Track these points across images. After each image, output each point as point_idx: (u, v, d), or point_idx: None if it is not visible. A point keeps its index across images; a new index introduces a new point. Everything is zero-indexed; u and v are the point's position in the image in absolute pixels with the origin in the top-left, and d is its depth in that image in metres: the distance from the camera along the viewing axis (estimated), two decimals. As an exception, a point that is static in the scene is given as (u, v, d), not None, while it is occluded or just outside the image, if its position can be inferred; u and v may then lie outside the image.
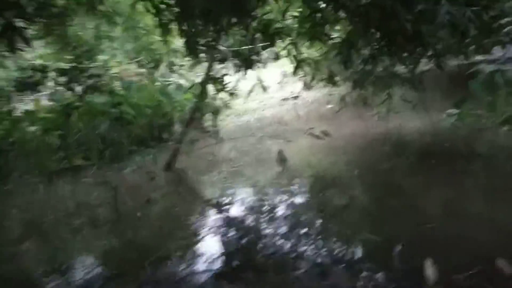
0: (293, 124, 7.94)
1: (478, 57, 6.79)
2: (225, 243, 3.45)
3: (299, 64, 6.76)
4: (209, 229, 3.72)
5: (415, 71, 5.61)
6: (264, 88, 10.71)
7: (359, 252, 2.95)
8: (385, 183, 4.27)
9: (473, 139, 5.30)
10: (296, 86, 11.49)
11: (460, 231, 2.94)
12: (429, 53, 4.64)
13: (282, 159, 5.59)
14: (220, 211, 4.24)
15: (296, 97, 10.95)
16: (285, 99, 10.89)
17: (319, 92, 11.24)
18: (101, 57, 9.07)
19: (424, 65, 5.84)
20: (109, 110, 6.73)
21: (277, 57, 5.77)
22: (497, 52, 6.34)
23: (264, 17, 5.02)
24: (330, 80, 7.91)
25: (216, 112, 6.04)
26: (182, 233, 3.78)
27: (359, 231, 3.22)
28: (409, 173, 4.44)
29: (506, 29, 4.72)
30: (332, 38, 5.55)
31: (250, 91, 10.76)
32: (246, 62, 10.29)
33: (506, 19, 4.66)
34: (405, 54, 4.98)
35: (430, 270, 2.48)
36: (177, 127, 7.01)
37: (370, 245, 2.99)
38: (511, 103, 5.45)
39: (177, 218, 4.18)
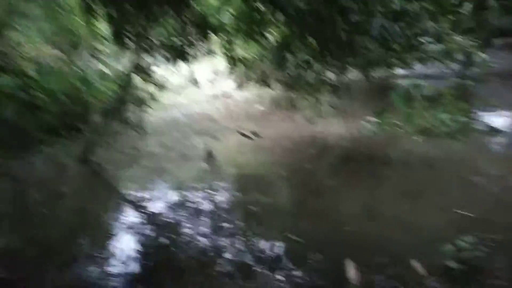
0: (222, 122, 7.81)
1: (400, 71, 7.33)
2: (141, 242, 3.21)
3: (232, 62, 6.69)
4: (125, 227, 3.44)
5: (343, 79, 5.87)
6: (195, 84, 10.45)
7: (279, 252, 2.93)
8: (308, 184, 4.34)
9: (390, 146, 5.64)
10: (227, 84, 11.39)
11: (377, 233, 3.06)
12: (358, 63, 4.82)
13: (209, 157, 5.44)
14: (137, 208, 3.98)
15: (227, 96, 10.85)
16: (215, 97, 10.73)
17: (250, 92, 11.26)
18: (12, 35, 8.08)
19: (352, 74, 6.14)
20: (18, 94, 5.98)
21: (210, 53, 5.57)
22: (418, 67, 6.90)
23: (200, 9, 4.83)
24: (263, 81, 7.97)
25: (140, 104, 5.67)
26: (93, 231, 3.46)
27: (280, 231, 3.21)
28: (331, 176, 4.56)
29: (426, 47, 5.10)
30: (267, 39, 5.55)
31: (180, 86, 10.43)
32: (177, 55, 9.95)
33: (426, 38, 5.04)
34: (337, 62, 5.16)
35: (352, 271, 2.53)
36: (96, 117, 6.49)
37: (291, 245, 2.98)
38: (425, 116, 5.92)
39: (89, 215, 3.82)
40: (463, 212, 3.30)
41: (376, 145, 5.76)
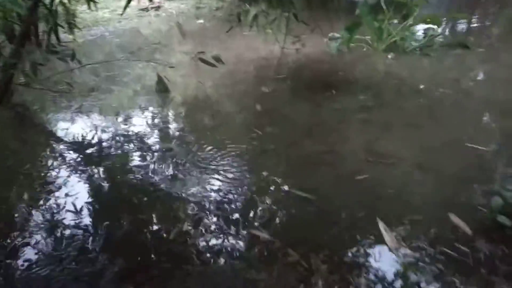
0: (163, 42, 6.67)
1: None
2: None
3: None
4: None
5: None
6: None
7: (286, 214, 2.45)
8: (291, 121, 3.72)
9: (362, 67, 5.20)
10: (156, -6, 9.79)
11: (395, 181, 2.68)
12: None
13: (161, 88, 4.56)
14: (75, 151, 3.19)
15: (157, 8, 9.38)
16: (144, 9, 9.22)
17: (184, 3, 9.88)
18: None
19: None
20: None
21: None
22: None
23: None
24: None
25: (69, 22, 4.37)
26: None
27: (284, 185, 2.70)
28: (314, 109, 3.97)
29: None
30: None
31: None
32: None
33: None
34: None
35: (388, 235, 2.16)
36: (3, 44, 5.05)
37: (301, 203, 2.51)
38: (392, 30, 5.47)
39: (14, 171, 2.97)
40: (476, 146, 3.04)
41: (349, 65, 5.27)
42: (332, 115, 3.81)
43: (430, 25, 5.83)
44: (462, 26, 7.05)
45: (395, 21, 5.57)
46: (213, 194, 2.64)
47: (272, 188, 2.68)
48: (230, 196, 2.61)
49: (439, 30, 5.79)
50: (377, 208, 2.38)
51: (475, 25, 7.14)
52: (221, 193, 2.65)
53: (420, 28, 6.07)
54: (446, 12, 7.78)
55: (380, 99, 4.12)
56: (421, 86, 4.42)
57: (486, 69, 5.05)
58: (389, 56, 5.37)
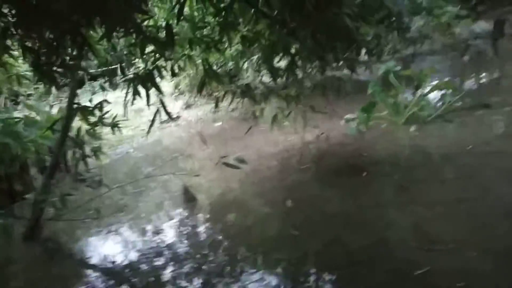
0: (186, 151, 6.82)
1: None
2: None
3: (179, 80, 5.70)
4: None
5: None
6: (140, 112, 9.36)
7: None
8: (326, 213, 3.52)
9: (387, 144, 5.07)
10: (173, 106, 10.41)
11: (459, 271, 2.36)
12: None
13: (189, 198, 4.50)
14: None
15: (177, 118, 9.84)
16: (164, 122, 9.67)
17: (201, 110, 10.36)
18: None
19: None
20: None
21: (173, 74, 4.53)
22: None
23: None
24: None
25: (96, 150, 4.54)
26: None
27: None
28: (345, 195, 3.80)
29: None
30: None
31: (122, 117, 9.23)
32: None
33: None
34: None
35: None
36: (35, 176, 5.25)
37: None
38: (408, 101, 5.47)
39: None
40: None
41: (372, 144, 5.15)
42: (368, 200, 3.58)
43: (445, 91, 5.81)
44: (477, 87, 7.02)
45: (409, 93, 5.60)
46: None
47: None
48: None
49: (456, 94, 5.73)
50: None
51: (490, 84, 7.10)
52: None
53: (435, 96, 6.07)
54: (457, 77, 7.84)
55: (416, 176, 3.90)
56: (454, 154, 4.21)
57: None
58: (412, 129, 5.25)
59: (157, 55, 3.77)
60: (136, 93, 3.30)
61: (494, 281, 2.21)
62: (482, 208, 3.00)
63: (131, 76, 3.45)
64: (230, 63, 5.73)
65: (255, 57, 5.42)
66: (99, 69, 6.14)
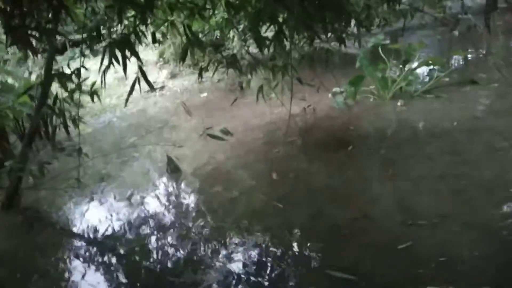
0: (171, 120, 6.68)
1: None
2: None
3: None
4: None
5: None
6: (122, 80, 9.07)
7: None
8: (312, 186, 3.50)
9: (373, 118, 5.03)
10: (157, 75, 10.14)
11: (441, 245, 2.38)
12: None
13: (173, 169, 4.43)
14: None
15: (161, 88, 9.61)
16: (149, 91, 9.43)
17: (186, 80, 10.12)
18: None
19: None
20: None
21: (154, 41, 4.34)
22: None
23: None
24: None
25: (74, 118, 4.36)
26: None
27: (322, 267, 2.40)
28: (331, 168, 3.77)
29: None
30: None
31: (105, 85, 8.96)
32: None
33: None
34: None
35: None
36: (16, 144, 5.08)
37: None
38: (397, 77, 5.41)
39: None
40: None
41: (359, 118, 5.11)
42: (354, 174, 3.57)
43: (433, 67, 5.77)
44: (465, 63, 6.99)
45: (397, 67, 5.53)
46: (238, 278, 2.36)
47: (304, 271, 2.38)
48: (257, 282, 2.32)
49: (444, 70, 5.69)
50: (433, 284, 2.06)
51: (479, 60, 7.08)
52: (247, 277, 2.36)
53: (423, 71, 6.02)
54: (446, 52, 7.80)
55: (402, 151, 3.89)
56: (441, 130, 4.20)
57: (504, 103, 4.84)
58: (399, 104, 5.22)
59: (137, 20, 3.59)
60: (113, 59, 3.12)
61: (476, 256, 2.23)
62: (466, 184, 3.02)
63: (108, 41, 3.26)
64: (216, 32, 5.55)
65: (241, 26, 5.26)
66: (80, 35, 5.88)
